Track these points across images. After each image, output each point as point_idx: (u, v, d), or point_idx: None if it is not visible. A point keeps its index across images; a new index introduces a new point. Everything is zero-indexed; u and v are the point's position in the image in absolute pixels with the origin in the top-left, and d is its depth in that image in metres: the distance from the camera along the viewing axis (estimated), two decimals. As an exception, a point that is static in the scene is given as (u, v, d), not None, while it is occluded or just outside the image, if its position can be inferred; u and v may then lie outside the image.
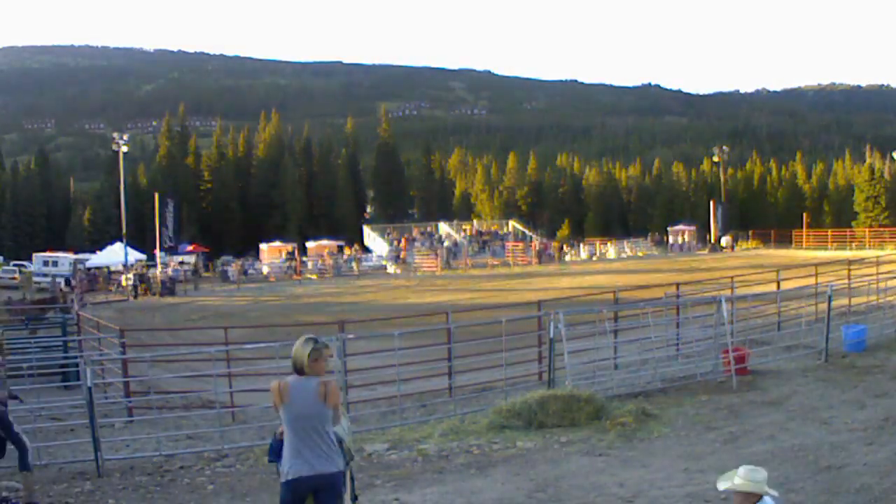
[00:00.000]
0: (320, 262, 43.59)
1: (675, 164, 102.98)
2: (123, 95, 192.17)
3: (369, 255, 48.82)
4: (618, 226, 77.85)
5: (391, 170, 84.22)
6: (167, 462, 8.17)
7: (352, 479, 4.50)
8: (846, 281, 17.58)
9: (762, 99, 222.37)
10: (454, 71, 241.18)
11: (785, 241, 48.60)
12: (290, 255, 48.76)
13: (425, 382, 11.97)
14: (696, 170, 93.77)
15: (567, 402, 8.83)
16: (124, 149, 45.53)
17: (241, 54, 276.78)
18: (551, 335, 9.82)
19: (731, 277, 17.74)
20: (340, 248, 50.07)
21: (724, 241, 48.11)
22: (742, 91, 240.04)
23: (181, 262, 42.11)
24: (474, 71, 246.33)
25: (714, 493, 6.25)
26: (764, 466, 6.85)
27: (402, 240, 50.82)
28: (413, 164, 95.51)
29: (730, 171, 75.34)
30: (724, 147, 69.47)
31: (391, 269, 41.25)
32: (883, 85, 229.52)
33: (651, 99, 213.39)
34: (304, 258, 46.74)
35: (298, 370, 4.24)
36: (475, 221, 64.88)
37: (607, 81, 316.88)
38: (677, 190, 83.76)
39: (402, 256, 44.31)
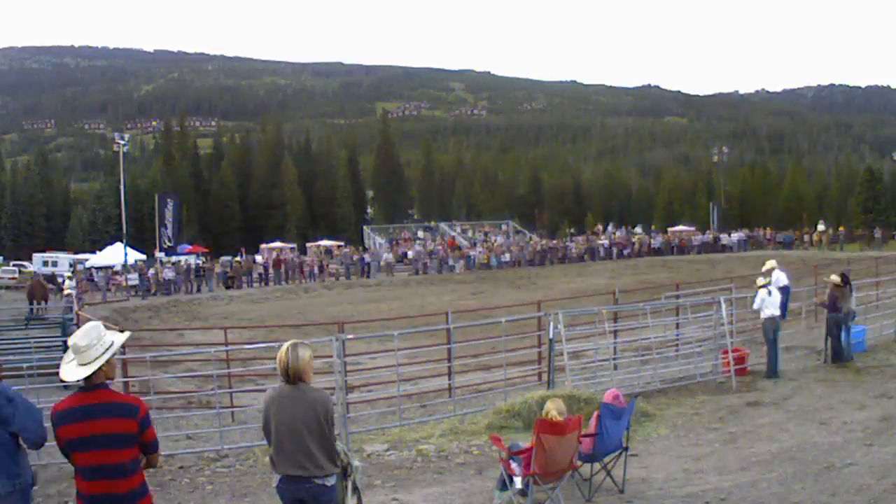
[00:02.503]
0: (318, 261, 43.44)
1: (674, 165, 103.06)
2: (123, 95, 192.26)
3: (367, 254, 48.76)
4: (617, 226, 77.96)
5: (391, 170, 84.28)
6: (167, 462, 8.17)
7: (355, 489, 4.36)
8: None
9: (762, 99, 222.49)
10: (454, 71, 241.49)
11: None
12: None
13: (425, 382, 11.98)
14: (696, 170, 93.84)
15: (567, 403, 8.82)
16: (124, 149, 45.57)
17: (241, 54, 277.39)
18: (551, 335, 9.81)
19: (731, 278, 17.74)
20: (333, 250, 49.83)
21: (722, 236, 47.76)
22: (742, 92, 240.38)
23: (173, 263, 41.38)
24: (474, 71, 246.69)
25: (714, 493, 6.27)
26: (764, 467, 6.88)
27: (401, 240, 50.98)
28: (413, 164, 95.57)
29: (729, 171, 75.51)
30: (724, 148, 69.69)
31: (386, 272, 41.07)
32: (883, 85, 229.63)
33: (651, 99, 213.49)
34: (305, 257, 46.72)
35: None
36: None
37: (607, 82, 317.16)
38: (677, 190, 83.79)
39: (399, 255, 44.25)
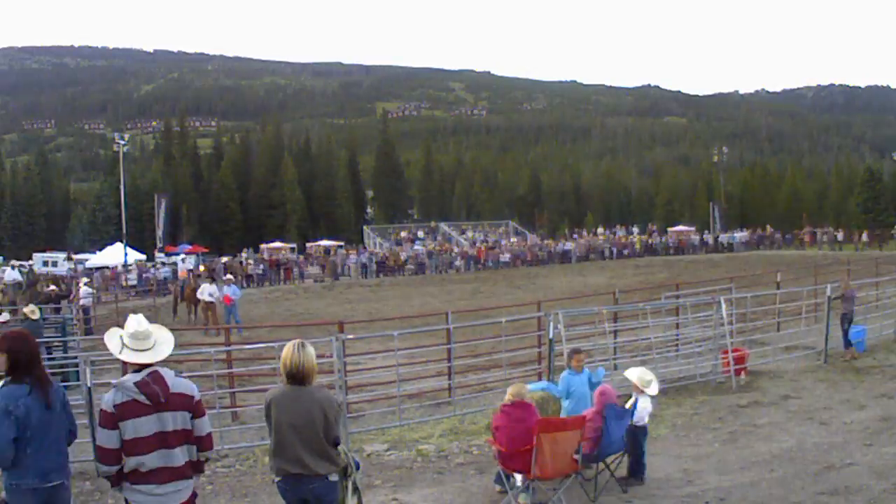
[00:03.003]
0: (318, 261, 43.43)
1: (674, 165, 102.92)
2: (123, 95, 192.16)
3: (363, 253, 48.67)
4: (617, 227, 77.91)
5: (391, 170, 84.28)
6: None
7: (355, 489, 4.28)
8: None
9: (761, 100, 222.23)
10: (454, 71, 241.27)
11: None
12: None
13: (425, 382, 11.97)
14: (696, 170, 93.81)
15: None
16: (124, 149, 45.60)
17: (241, 54, 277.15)
18: (551, 335, 9.81)
19: (731, 278, 17.75)
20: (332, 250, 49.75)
21: None
22: (741, 92, 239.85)
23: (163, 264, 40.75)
24: (474, 71, 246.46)
25: (714, 493, 6.26)
26: (764, 467, 6.88)
27: (403, 240, 51.00)
28: (413, 164, 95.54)
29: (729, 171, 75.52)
30: (724, 148, 69.68)
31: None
32: (883, 85, 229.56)
33: (651, 99, 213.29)
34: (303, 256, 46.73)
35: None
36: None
37: (607, 82, 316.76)
38: (677, 190, 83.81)
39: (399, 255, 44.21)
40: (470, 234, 59.11)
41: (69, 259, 45.98)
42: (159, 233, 45.04)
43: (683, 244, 49.34)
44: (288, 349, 4.08)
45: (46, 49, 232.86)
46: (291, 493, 4.09)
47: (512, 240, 53.28)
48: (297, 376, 4.04)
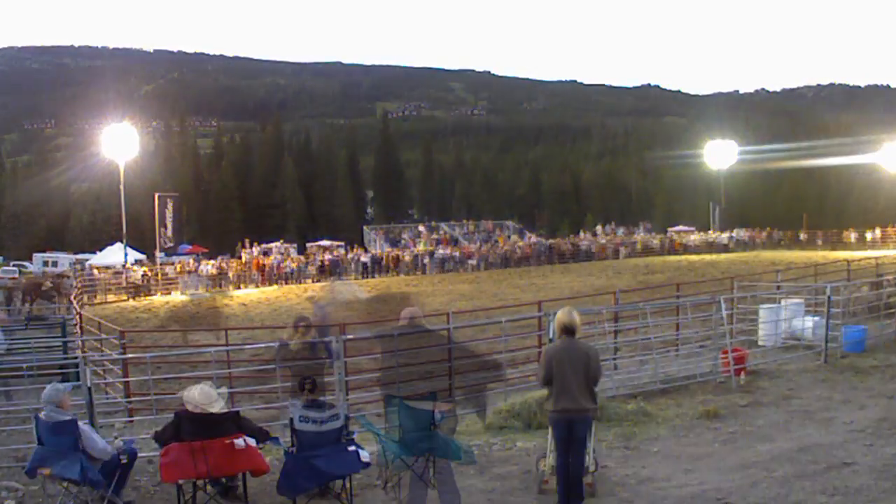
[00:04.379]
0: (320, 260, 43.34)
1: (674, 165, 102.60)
2: (123, 95, 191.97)
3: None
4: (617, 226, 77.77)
5: (391, 170, 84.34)
6: (167, 462, 8.14)
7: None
8: (846, 281, 17.59)
9: (761, 99, 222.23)
10: (454, 71, 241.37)
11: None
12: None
13: (425, 383, 11.96)
14: (696, 170, 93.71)
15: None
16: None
17: (241, 54, 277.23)
18: (550, 335, 9.81)
19: (731, 278, 17.74)
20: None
21: None
22: (741, 91, 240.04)
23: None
24: (474, 71, 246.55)
25: (714, 493, 6.26)
26: (764, 467, 6.88)
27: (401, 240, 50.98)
28: (413, 164, 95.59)
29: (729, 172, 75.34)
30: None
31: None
32: (883, 84, 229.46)
33: (651, 99, 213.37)
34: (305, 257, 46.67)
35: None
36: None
37: (607, 82, 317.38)
38: (677, 190, 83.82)
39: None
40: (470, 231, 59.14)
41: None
42: (168, 233, 45.07)
43: (678, 245, 49.36)
44: (562, 312, 5.79)
45: (46, 49, 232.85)
46: (563, 421, 5.63)
47: (515, 239, 53.32)
48: (570, 330, 5.67)
